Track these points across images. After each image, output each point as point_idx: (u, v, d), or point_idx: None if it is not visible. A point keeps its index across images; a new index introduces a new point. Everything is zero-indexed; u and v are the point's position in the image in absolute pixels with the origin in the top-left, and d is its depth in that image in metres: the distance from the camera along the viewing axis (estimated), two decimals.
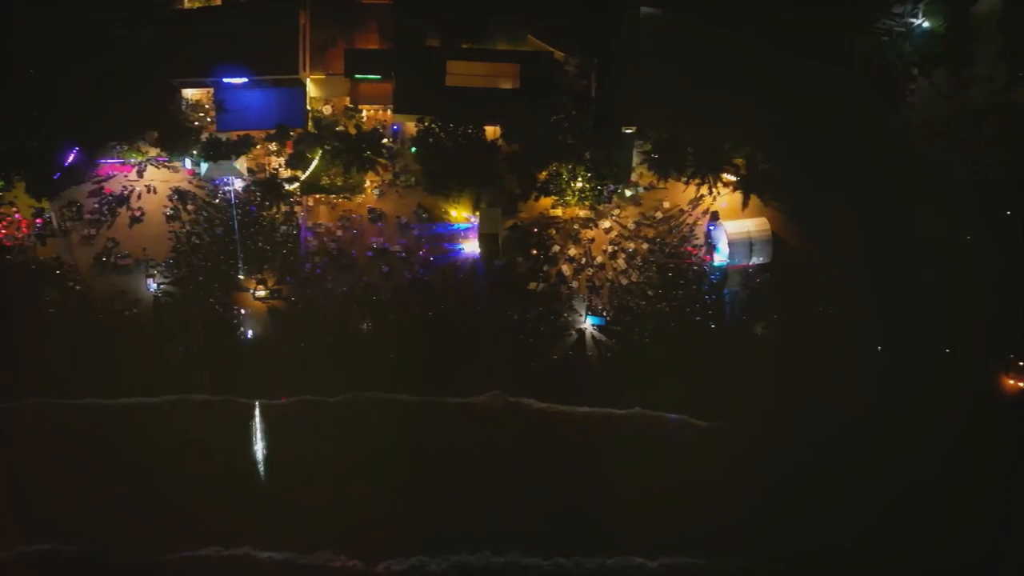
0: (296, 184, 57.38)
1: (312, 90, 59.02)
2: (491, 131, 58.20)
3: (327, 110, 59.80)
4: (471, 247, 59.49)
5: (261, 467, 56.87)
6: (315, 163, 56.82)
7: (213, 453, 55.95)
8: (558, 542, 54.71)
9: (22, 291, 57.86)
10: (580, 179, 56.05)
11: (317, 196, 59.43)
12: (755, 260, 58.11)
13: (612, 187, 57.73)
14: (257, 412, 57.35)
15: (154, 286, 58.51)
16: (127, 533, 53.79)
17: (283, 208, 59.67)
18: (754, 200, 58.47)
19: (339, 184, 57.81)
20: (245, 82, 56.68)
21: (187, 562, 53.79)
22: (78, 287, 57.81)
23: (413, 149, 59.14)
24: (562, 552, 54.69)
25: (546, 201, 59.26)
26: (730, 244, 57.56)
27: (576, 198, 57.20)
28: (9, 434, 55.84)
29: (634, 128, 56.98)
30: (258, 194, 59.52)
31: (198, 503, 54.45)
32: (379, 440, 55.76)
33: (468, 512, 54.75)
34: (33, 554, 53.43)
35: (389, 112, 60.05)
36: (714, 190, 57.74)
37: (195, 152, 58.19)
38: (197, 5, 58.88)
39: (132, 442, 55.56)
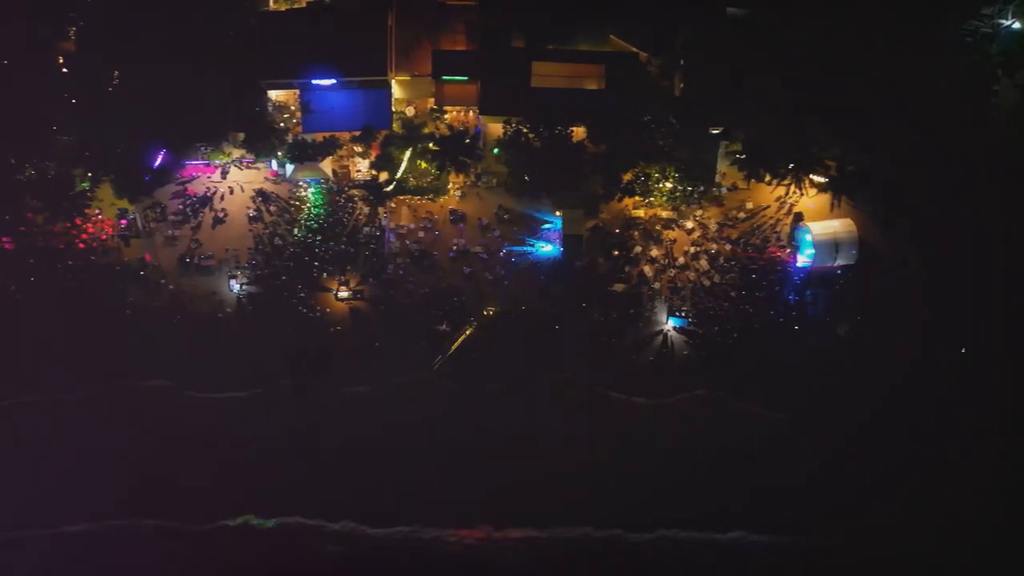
0: (392, 186, 57.17)
1: (396, 91, 59.02)
2: (577, 132, 58.08)
3: (410, 111, 59.84)
4: (552, 248, 59.45)
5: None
6: (404, 164, 56.70)
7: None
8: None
9: (107, 292, 58.16)
10: (670, 180, 55.87)
11: (400, 198, 59.44)
12: (840, 261, 57.90)
13: (701, 188, 57.40)
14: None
15: (237, 287, 58.68)
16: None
17: (366, 209, 59.80)
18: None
19: (425, 185, 57.74)
20: (333, 84, 56.69)
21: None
22: (171, 286, 57.95)
23: (495, 150, 59.13)
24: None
25: (627, 202, 59.23)
26: (815, 245, 57.35)
27: (665, 199, 57.04)
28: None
29: (721, 128, 56.71)
30: (342, 196, 59.68)
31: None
32: None
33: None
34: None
35: (471, 113, 60.13)
36: (801, 191, 57.44)
37: (280, 153, 58.29)
38: (284, 7, 58.97)
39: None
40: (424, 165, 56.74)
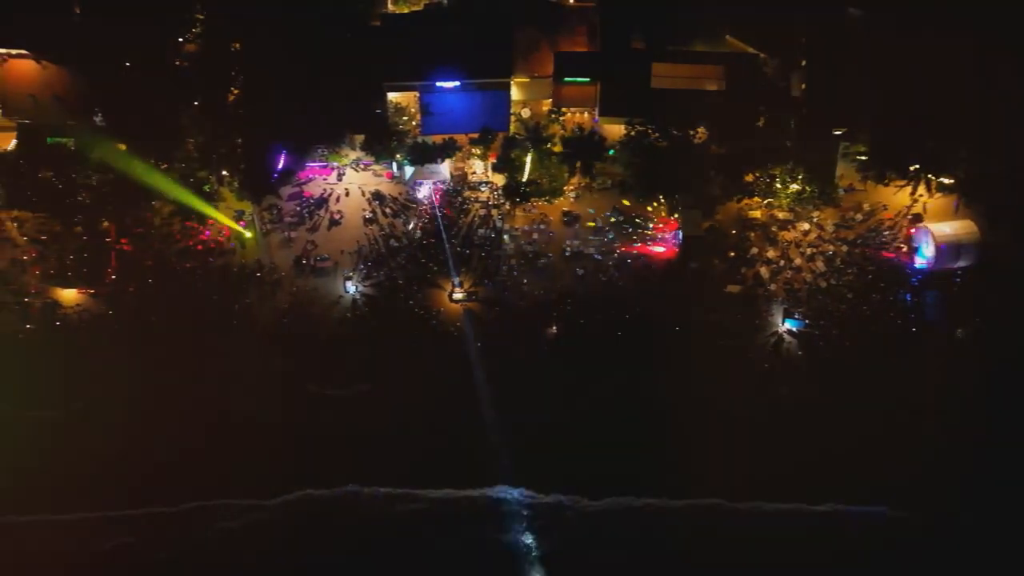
0: (530, 187, 57.22)
1: (513, 93, 59.09)
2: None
3: (526, 113, 59.98)
4: (666, 249, 59.35)
5: None
6: (528, 166, 56.78)
7: None
8: None
9: (224, 294, 58.47)
10: (798, 182, 55.70)
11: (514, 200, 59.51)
12: (961, 263, 57.51)
13: (828, 189, 57.19)
14: None
15: (352, 288, 58.84)
16: None
17: (481, 211, 59.91)
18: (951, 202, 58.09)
19: (545, 187, 57.81)
20: (455, 86, 56.85)
21: None
22: (294, 288, 58.19)
23: (611, 151, 59.12)
24: None
25: (745, 202, 59.07)
26: (937, 247, 56.95)
27: (789, 200, 56.86)
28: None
29: (844, 129, 56.51)
30: (458, 198, 59.84)
31: None
32: None
33: None
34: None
35: (586, 115, 60.18)
36: (922, 192, 57.12)
37: (400, 156, 58.49)
38: (404, 9, 59.24)
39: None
40: (549, 167, 56.57)
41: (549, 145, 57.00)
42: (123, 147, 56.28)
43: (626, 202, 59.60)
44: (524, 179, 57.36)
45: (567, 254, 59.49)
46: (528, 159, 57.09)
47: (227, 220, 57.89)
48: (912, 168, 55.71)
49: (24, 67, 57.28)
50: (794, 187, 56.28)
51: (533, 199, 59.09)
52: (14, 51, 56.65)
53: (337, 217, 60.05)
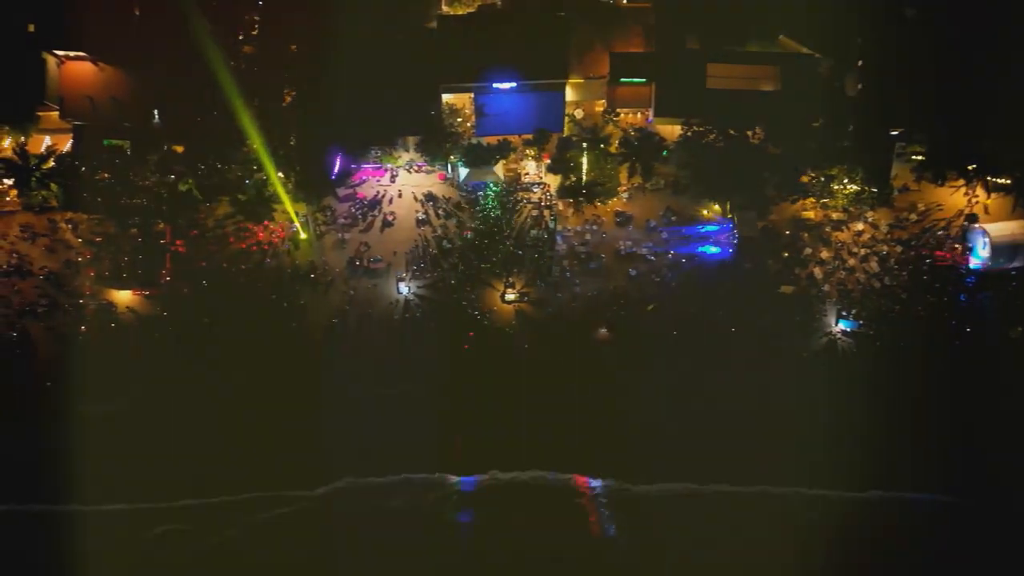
0: (598, 188, 57.21)
1: (566, 94, 59.07)
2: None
3: (579, 114, 59.93)
4: (719, 249, 59.28)
5: None
6: (586, 167, 56.76)
7: None
8: None
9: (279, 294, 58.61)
10: (857, 183, 55.59)
11: (567, 200, 59.49)
12: (1017, 263, 57.31)
13: (887, 190, 57.05)
14: None
15: (405, 289, 58.86)
16: None
17: (532, 212, 59.90)
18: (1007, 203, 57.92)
19: (599, 188, 57.77)
20: (511, 87, 56.84)
21: None
22: (351, 291, 58.26)
23: (664, 152, 59.06)
24: None
25: (800, 203, 58.96)
26: (994, 247, 56.77)
27: (846, 201, 56.75)
28: None
29: (901, 129, 56.36)
30: (510, 199, 59.82)
31: None
32: None
33: None
34: None
35: (639, 115, 60.12)
36: (988, 192, 56.88)
37: (454, 157, 58.50)
38: (460, 12, 59.24)
39: None
40: (605, 168, 56.52)
41: (604, 146, 56.80)
42: (180, 149, 56.53)
43: (676, 204, 59.33)
44: (583, 180, 57.15)
45: (620, 255, 59.46)
46: (584, 160, 56.95)
47: (291, 213, 57.77)
48: (969, 168, 55.34)
49: (81, 69, 57.51)
50: (852, 188, 56.01)
51: (588, 200, 59.05)
52: (72, 53, 56.69)
53: (390, 218, 60.10)
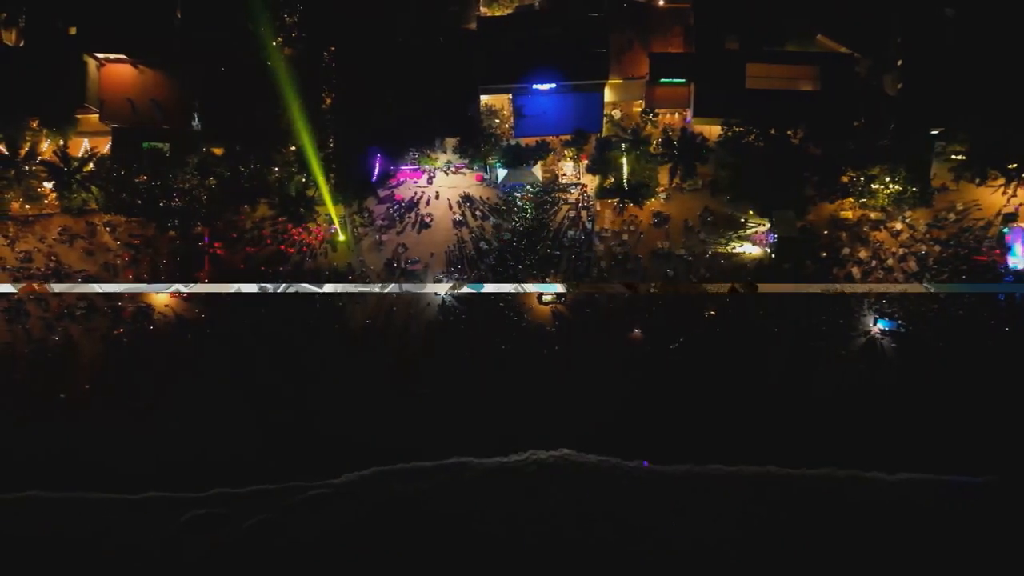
0: (644, 189, 57.16)
1: (605, 94, 59.06)
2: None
3: (617, 114, 59.90)
4: (755, 249, 59.24)
5: None
6: (625, 167, 56.72)
7: None
8: None
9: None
10: (897, 182, 55.51)
11: (605, 201, 59.45)
12: None
13: (928, 189, 56.95)
14: None
15: (442, 290, 58.81)
16: None
17: (570, 213, 59.86)
18: None
19: (638, 189, 57.70)
20: (550, 88, 56.80)
21: None
22: (395, 294, 58.29)
23: (704, 152, 58.86)
24: None
25: (838, 203, 58.88)
26: None
27: (887, 201, 56.68)
28: None
29: (942, 129, 56.28)
30: (548, 199, 59.79)
31: None
32: None
33: None
34: None
35: (677, 116, 60.06)
36: (1018, 192, 56.82)
37: (492, 158, 58.47)
38: (499, 12, 59.21)
39: None
40: (645, 168, 56.44)
41: (644, 146, 56.76)
42: (220, 151, 56.57)
43: (713, 205, 59.26)
44: (624, 180, 57.10)
45: (658, 255, 59.42)
46: (624, 160, 56.90)
47: (333, 214, 57.74)
48: (1011, 167, 55.25)
49: (121, 71, 57.66)
50: (894, 187, 55.91)
51: (624, 200, 59.01)
52: (112, 55, 56.73)
53: (427, 220, 60.11)
